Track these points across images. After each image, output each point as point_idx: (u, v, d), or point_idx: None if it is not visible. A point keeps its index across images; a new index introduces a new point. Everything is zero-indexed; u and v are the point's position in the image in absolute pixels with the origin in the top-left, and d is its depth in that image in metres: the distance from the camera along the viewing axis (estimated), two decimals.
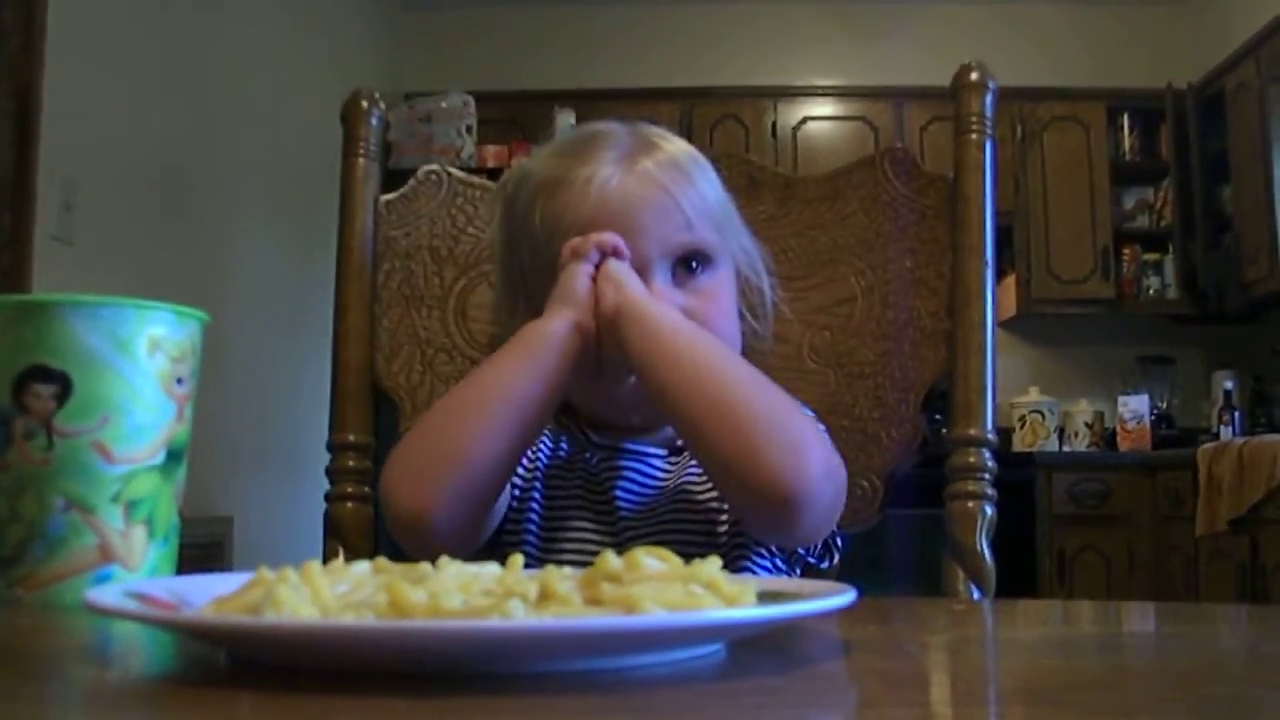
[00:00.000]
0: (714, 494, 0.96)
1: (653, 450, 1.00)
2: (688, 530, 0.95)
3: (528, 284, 1.00)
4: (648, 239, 0.94)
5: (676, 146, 1.01)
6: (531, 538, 0.98)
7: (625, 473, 0.98)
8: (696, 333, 0.89)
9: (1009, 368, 4.72)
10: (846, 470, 0.88)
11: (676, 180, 0.98)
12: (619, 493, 0.97)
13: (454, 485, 0.84)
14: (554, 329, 0.89)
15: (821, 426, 0.95)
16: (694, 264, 0.97)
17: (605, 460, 0.99)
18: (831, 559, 1.01)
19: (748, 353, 1.03)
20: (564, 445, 1.02)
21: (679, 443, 0.99)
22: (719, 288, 0.98)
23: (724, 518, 0.96)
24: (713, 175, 1.02)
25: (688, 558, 0.93)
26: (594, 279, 0.90)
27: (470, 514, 0.87)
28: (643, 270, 0.93)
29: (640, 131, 1.01)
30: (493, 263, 1.11)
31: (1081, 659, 0.60)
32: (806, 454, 0.82)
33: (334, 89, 1.54)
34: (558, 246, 0.94)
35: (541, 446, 1.01)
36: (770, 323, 1.07)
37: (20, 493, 0.75)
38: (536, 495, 0.99)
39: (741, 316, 1.03)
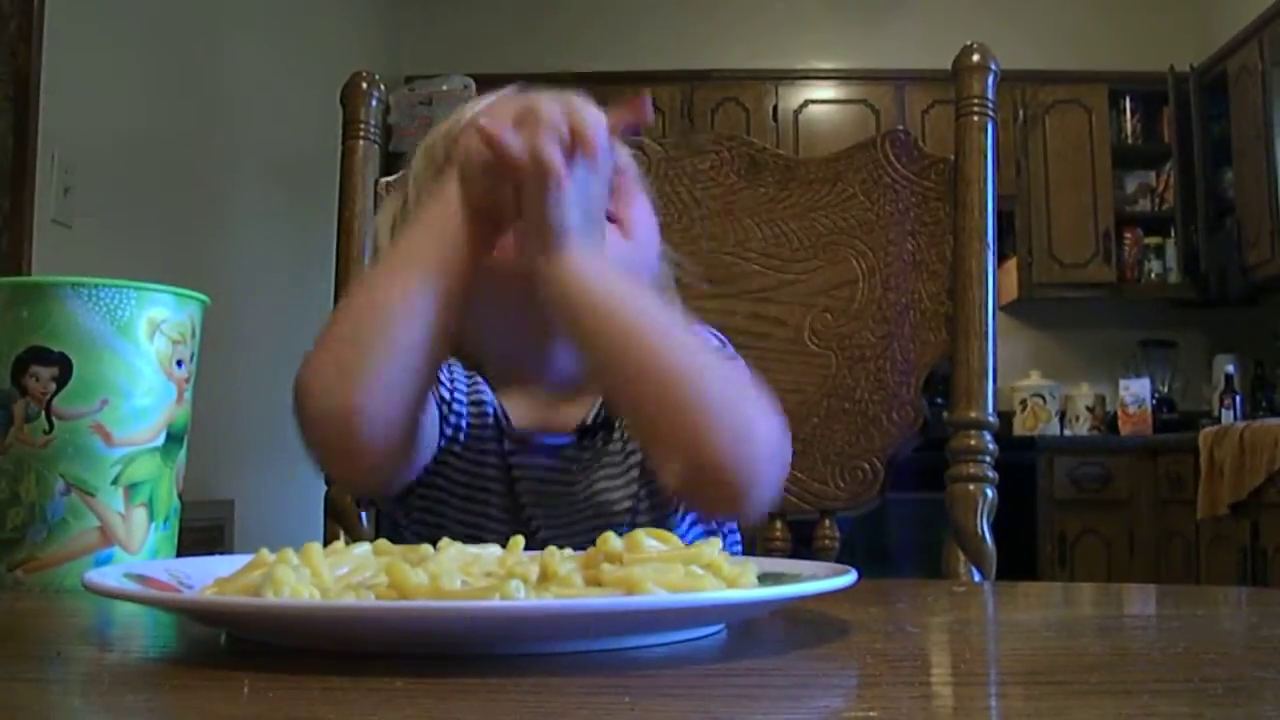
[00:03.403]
0: (623, 491, 0.92)
1: (563, 441, 0.94)
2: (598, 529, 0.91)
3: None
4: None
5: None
6: (452, 498, 0.94)
7: (531, 471, 0.93)
8: (633, 302, 0.78)
9: (1010, 351, 4.71)
10: (792, 439, 0.83)
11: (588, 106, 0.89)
12: (526, 498, 0.93)
13: (381, 370, 0.76)
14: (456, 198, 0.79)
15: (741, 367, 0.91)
16: None
17: (515, 454, 0.94)
18: None
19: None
20: (488, 409, 0.95)
21: (589, 421, 0.94)
22: (638, 199, 0.92)
23: (638, 512, 0.92)
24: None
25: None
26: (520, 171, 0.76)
27: (400, 407, 0.78)
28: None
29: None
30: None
31: (1082, 640, 0.60)
32: (754, 437, 0.77)
33: (334, 71, 1.53)
34: (459, 136, 0.84)
35: (463, 414, 0.94)
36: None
37: (20, 475, 0.75)
38: (455, 457, 0.93)
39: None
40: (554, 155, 0.74)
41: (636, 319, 0.77)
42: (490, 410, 0.95)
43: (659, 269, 0.98)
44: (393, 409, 0.78)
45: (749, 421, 0.77)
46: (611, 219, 0.87)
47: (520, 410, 0.95)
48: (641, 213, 0.93)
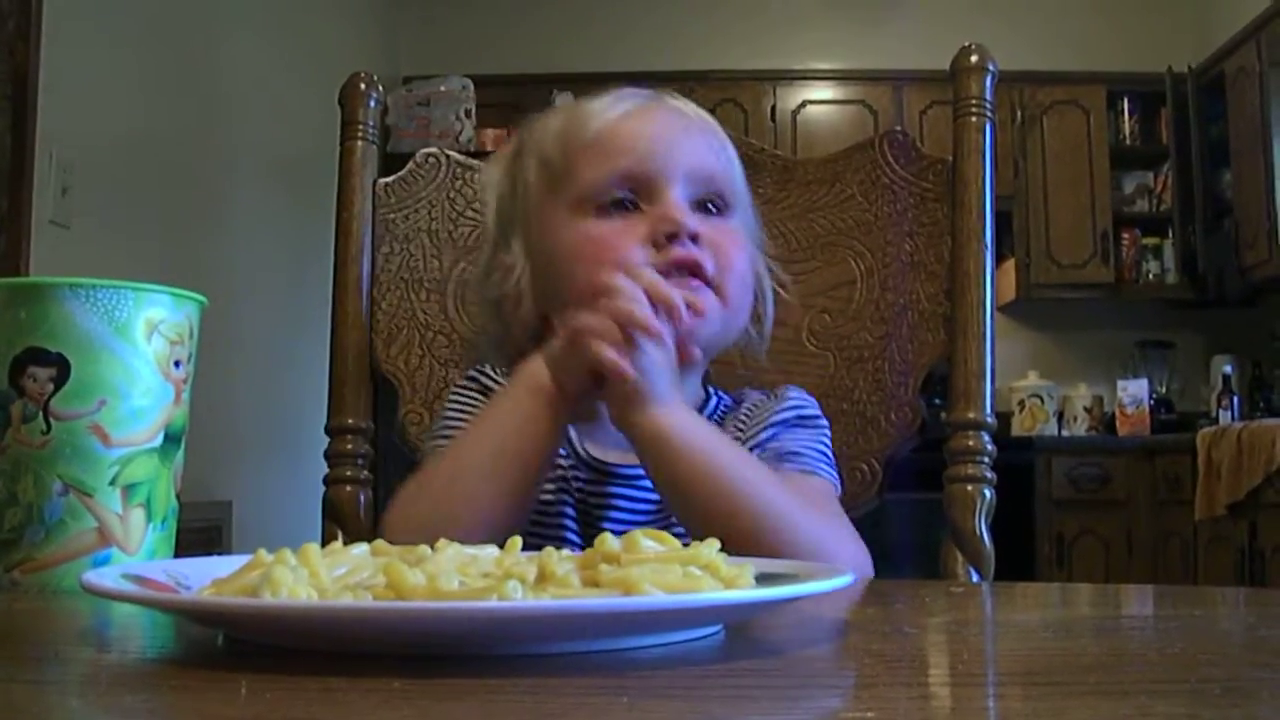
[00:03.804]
0: None
1: (641, 472, 0.94)
2: None
3: (528, 218, 0.98)
4: (674, 155, 0.93)
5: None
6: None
7: (615, 500, 0.95)
8: (714, 445, 0.85)
9: (1008, 352, 4.71)
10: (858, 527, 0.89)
11: (708, 122, 0.99)
12: (610, 526, 0.93)
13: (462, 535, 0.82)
14: (546, 381, 0.86)
15: (836, 482, 0.95)
16: (711, 207, 0.96)
17: (594, 484, 0.96)
18: None
19: (742, 355, 1.02)
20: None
21: None
22: (737, 234, 0.97)
23: None
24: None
25: None
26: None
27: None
28: (660, 188, 0.93)
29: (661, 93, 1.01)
30: (481, 240, 1.08)
31: (1080, 641, 0.60)
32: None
33: (332, 72, 1.53)
34: (576, 157, 0.94)
35: None
36: (769, 327, 1.04)
37: (18, 476, 0.75)
38: None
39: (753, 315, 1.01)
40: (651, 319, 0.82)
41: (719, 461, 0.83)
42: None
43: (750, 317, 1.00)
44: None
45: (830, 557, 0.81)
46: (711, 285, 0.92)
47: (598, 441, 0.97)
48: (739, 272, 0.96)
